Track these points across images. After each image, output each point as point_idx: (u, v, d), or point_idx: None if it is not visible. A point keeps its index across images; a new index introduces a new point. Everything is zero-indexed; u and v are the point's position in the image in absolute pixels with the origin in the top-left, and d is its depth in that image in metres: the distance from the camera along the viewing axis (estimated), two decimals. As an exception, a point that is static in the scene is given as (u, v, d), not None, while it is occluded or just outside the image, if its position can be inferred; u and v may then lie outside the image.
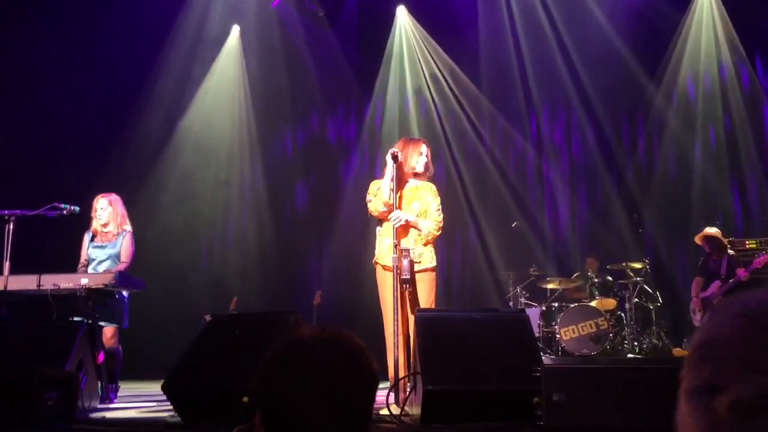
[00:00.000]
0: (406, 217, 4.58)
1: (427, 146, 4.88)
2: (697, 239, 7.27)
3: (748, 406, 0.48)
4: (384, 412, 3.63)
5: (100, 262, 5.58)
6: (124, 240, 5.64)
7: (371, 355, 1.18)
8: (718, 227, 7.22)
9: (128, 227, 5.74)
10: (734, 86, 8.86)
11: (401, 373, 4.15)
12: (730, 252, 7.05)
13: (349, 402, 1.10)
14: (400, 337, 4.30)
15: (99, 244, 5.63)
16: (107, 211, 5.66)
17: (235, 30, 9.88)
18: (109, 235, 5.65)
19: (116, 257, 5.60)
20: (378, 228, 4.87)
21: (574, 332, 7.24)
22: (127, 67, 8.60)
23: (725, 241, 7.08)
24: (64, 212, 5.26)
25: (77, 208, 5.35)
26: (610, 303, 7.66)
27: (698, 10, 9.01)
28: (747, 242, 7.51)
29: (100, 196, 5.76)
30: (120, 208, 5.77)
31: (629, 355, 7.26)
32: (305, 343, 1.13)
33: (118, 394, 5.39)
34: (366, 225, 5.19)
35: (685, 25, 9.06)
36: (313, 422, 1.07)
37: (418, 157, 4.74)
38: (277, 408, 1.09)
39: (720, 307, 0.60)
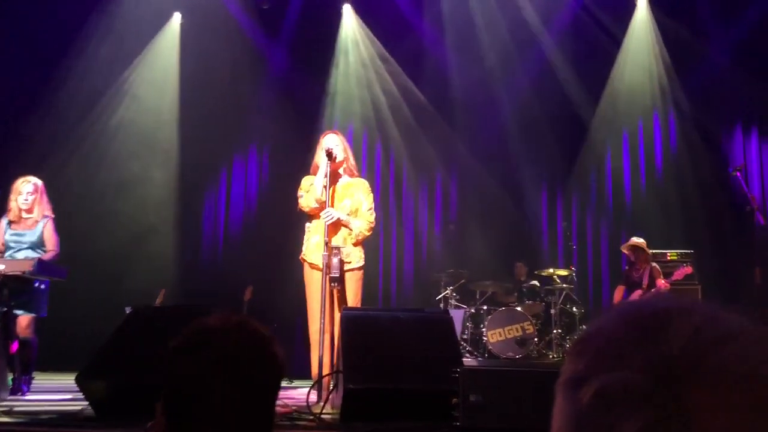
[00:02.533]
0: (338, 215, 4.57)
1: (337, 135, 4.88)
2: (623, 249, 7.51)
3: (610, 396, 0.49)
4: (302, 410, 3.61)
5: (20, 249, 5.32)
6: (47, 228, 5.40)
7: (278, 344, 1.18)
8: (643, 238, 7.48)
9: (49, 214, 5.51)
10: (662, 108, 9.22)
11: (325, 372, 4.14)
12: (653, 263, 7.30)
13: (255, 389, 1.11)
14: (326, 336, 4.29)
15: (18, 231, 5.35)
16: (33, 197, 5.40)
17: (176, 17, 9.62)
18: (29, 222, 5.40)
19: (37, 246, 5.36)
20: (307, 224, 4.84)
21: (500, 335, 7.37)
22: (53, 43, 8.32)
23: (649, 252, 7.33)
24: (-17, 194, 5.03)
25: (-2, 190, 5.13)
26: (537, 308, 7.84)
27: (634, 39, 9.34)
28: (668, 254, 7.81)
29: (24, 180, 5.46)
30: (45, 194, 5.54)
31: (553, 358, 7.44)
32: (212, 331, 1.12)
33: (32, 385, 5.19)
34: (299, 219, 5.17)
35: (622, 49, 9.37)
36: (217, 409, 1.07)
37: (335, 148, 4.71)
38: (183, 395, 1.08)
39: (608, 308, 0.62)
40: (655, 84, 9.21)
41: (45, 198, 5.52)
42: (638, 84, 9.24)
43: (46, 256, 5.25)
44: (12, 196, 5.42)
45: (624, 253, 7.55)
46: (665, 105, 9.22)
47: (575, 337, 0.60)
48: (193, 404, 1.08)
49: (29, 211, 5.39)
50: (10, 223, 5.40)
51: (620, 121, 9.37)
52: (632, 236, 7.50)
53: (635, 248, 7.28)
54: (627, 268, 7.49)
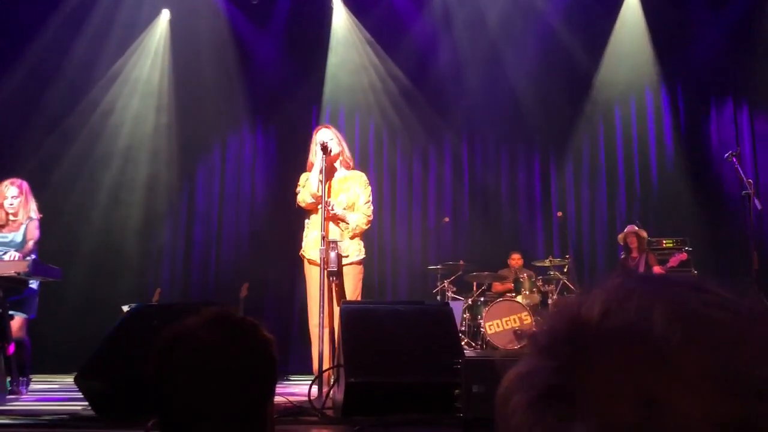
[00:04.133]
0: (334, 210, 4.55)
1: (330, 129, 4.85)
2: (620, 237, 7.52)
3: (517, 420, 0.48)
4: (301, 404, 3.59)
5: (6, 252, 5.27)
6: (30, 225, 5.33)
7: (264, 334, 1.14)
8: (639, 226, 7.49)
9: (35, 215, 5.43)
10: (655, 95, 9.24)
11: (325, 366, 4.13)
12: (648, 251, 7.32)
13: (241, 384, 1.07)
14: (326, 330, 4.28)
15: (5, 234, 5.30)
16: (19, 199, 5.35)
17: (165, 14, 9.54)
18: (15, 224, 5.35)
19: (21, 246, 5.30)
20: (306, 220, 4.83)
21: (498, 326, 7.36)
22: (39, 39, 8.27)
23: (645, 239, 7.35)
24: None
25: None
26: (534, 298, 7.83)
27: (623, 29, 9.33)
28: (664, 241, 7.83)
29: (8, 182, 5.39)
30: (30, 196, 5.47)
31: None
32: (189, 330, 1.10)
33: (30, 387, 5.16)
34: (297, 216, 5.15)
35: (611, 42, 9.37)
36: (203, 407, 1.04)
37: (330, 142, 4.69)
38: (167, 396, 1.06)
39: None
40: (647, 69, 9.21)
41: (30, 199, 5.45)
42: (630, 70, 9.25)
43: (26, 250, 5.18)
44: None
45: (620, 241, 7.57)
46: (658, 90, 9.23)
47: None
48: (177, 404, 1.06)
49: (15, 213, 5.33)
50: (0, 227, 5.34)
51: (613, 108, 9.37)
52: (628, 224, 7.52)
53: (632, 235, 7.29)
54: (623, 256, 7.51)
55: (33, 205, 5.46)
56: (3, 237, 5.30)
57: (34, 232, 5.35)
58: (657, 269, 7.02)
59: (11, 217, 5.33)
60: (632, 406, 0.43)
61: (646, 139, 9.30)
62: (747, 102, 8.97)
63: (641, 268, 7.12)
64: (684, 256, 7.22)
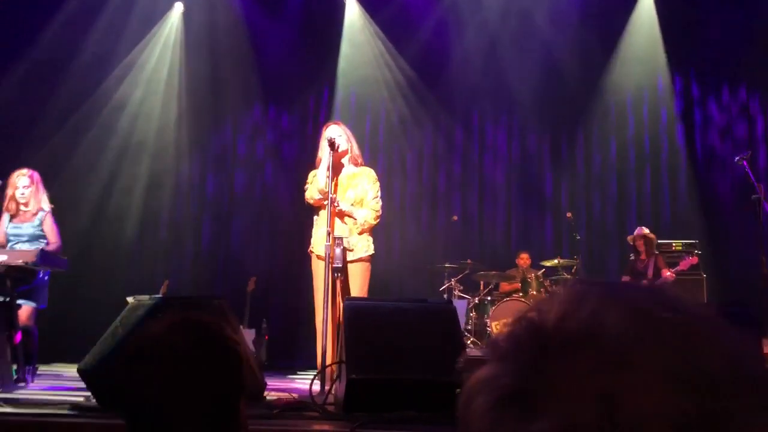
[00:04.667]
0: (340, 206, 4.56)
1: (339, 125, 4.85)
2: (630, 239, 7.48)
3: (476, 426, 0.49)
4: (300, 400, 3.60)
5: (19, 242, 5.33)
6: (46, 221, 5.39)
7: (230, 335, 1.14)
8: (648, 228, 7.45)
9: (46, 206, 5.49)
10: (667, 96, 9.16)
11: (329, 362, 4.13)
12: (657, 253, 7.27)
13: (208, 386, 1.07)
14: (331, 326, 4.28)
15: (17, 224, 5.37)
16: (30, 189, 5.40)
17: (178, 7, 9.56)
18: (27, 215, 5.40)
19: (37, 238, 5.35)
20: (315, 217, 4.84)
21: (505, 326, 7.34)
22: (52, 30, 8.32)
23: (655, 242, 7.30)
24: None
25: (-1, 181, 5.12)
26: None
27: (638, 21, 9.25)
28: (674, 244, 7.78)
29: (19, 173, 5.44)
30: (41, 186, 5.53)
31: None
32: (152, 335, 1.10)
33: (36, 376, 5.20)
34: (307, 213, 5.17)
35: (624, 35, 9.28)
36: (172, 412, 1.04)
37: (338, 139, 4.69)
38: (134, 405, 1.06)
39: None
40: (659, 67, 9.14)
41: (41, 189, 5.51)
42: (642, 70, 9.18)
43: (49, 248, 5.25)
44: (8, 191, 5.42)
45: (629, 243, 7.52)
46: (671, 90, 9.16)
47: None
48: (145, 412, 1.06)
49: (26, 204, 5.38)
50: (11, 217, 5.41)
51: (626, 109, 9.31)
52: (638, 226, 7.47)
53: (641, 238, 7.25)
54: (632, 258, 7.46)
55: (44, 196, 5.50)
56: (15, 227, 5.35)
57: (54, 229, 5.40)
58: (666, 272, 6.97)
59: (22, 207, 5.38)
60: (591, 405, 0.44)
61: (657, 140, 9.24)
62: (759, 96, 8.88)
63: (650, 271, 7.07)
64: (694, 259, 7.17)
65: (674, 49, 9.06)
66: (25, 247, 5.24)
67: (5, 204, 5.43)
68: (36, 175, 5.50)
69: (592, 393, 0.44)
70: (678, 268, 7.04)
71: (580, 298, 0.49)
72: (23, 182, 5.39)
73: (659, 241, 7.45)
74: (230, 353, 1.12)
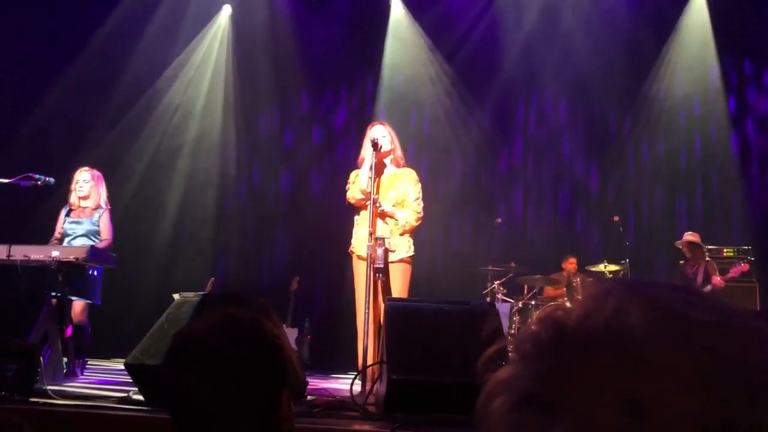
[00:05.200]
0: (382, 207, 4.55)
1: (384, 126, 4.85)
2: (678, 244, 7.30)
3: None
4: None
5: (76, 237, 5.50)
6: (103, 217, 5.58)
7: (271, 330, 1.15)
8: (699, 233, 7.25)
9: (106, 204, 5.68)
10: (720, 90, 8.89)
11: (370, 362, 4.13)
12: (708, 259, 7.08)
13: (252, 384, 1.08)
14: (372, 326, 4.29)
15: (75, 219, 5.55)
16: (89, 184, 5.61)
17: (226, 9, 9.71)
18: (86, 210, 5.58)
19: (93, 234, 5.52)
20: (356, 217, 4.85)
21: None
22: (110, 40, 8.53)
23: (704, 248, 7.11)
24: (39, 183, 5.18)
25: (52, 180, 5.28)
26: (587, 303, 7.67)
27: (690, 14, 9.02)
28: (725, 250, 7.55)
29: (82, 169, 5.69)
30: (102, 184, 5.73)
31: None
32: (195, 333, 1.11)
33: (86, 369, 5.33)
34: (348, 213, 5.19)
35: (677, 28, 9.06)
36: (215, 410, 1.05)
37: (382, 140, 4.68)
38: (179, 401, 1.07)
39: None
40: (711, 70, 8.90)
41: (103, 187, 5.71)
42: (694, 70, 8.95)
43: (100, 245, 5.40)
44: (71, 186, 5.65)
45: (679, 248, 7.34)
46: (726, 93, 8.90)
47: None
48: (189, 408, 1.07)
49: (86, 198, 5.57)
50: (69, 212, 5.60)
51: (677, 110, 9.08)
52: (688, 231, 7.28)
53: (690, 244, 7.07)
54: (682, 263, 7.28)
55: (104, 194, 5.69)
56: (73, 222, 5.54)
57: (108, 226, 5.57)
58: (716, 279, 6.78)
59: (82, 202, 5.57)
60: (615, 408, 0.42)
61: (708, 143, 8.98)
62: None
63: (699, 278, 6.89)
64: (746, 266, 6.95)
65: (728, 50, 8.80)
66: (81, 241, 5.42)
67: (68, 199, 5.63)
68: (97, 173, 5.71)
69: (615, 396, 0.42)
70: (728, 275, 6.84)
71: (604, 296, 0.48)
72: (84, 177, 5.61)
73: (709, 247, 7.24)
74: (271, 348, 1.13)
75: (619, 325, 0.45)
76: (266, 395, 1.10)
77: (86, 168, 5.70)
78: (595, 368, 0.44)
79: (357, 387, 3.87)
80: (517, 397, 0.46)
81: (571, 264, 8.23)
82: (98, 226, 5.55)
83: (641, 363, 0.43)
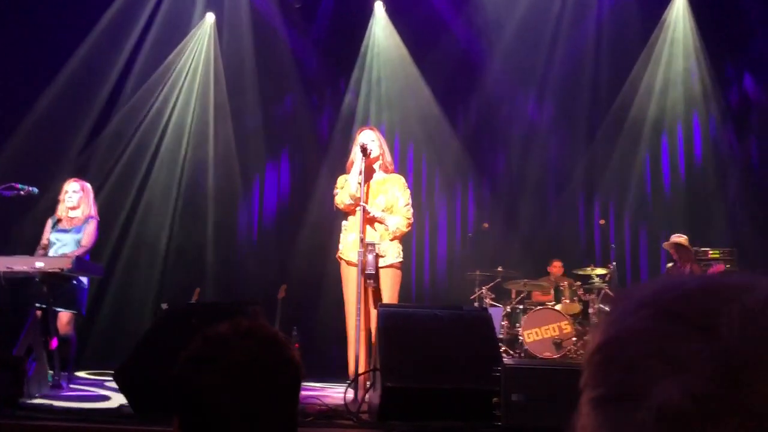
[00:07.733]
0: (372, 213, 4.53)
1: (373, 131, 4.84)
2: (666, 246, 7.33)
3: (679, 412, 0.42)
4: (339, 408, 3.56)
5: (63, 246, 5.41)
6: (89, 225, 5.49)
7: (291, 347, 1.16)
8: (686, 235, 7.29)
9: (95, 216, 5.59)
10: (703, 92, 8.97)
11: (361, 370, 4.09)
12: (694, 261, 7.12)
13: (271, 397, 1.07)
14: (362, 333, 4.25)
15: (63, 228, 5.46)
16: (79, 194, 5.52)
17: (209, 17, 9.63)
18: (75, 220, 5.49)
19: (77, 244, 5.44)
20: (344, 222, 4.81)
21: (537, 335, 7.23)
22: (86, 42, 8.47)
23: (692, 249, 7.15)
24: (22, 193, 5.10)
25: (36, 190, 5.20)
26: (575, 307, 7.68)
27: (672, 20, 9.10)
28: (710, 252, 7.61)
29: (72, 179, 5.63)
30: (91, 195, 5.65)
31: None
32: (223, 339, 1.08)
33: (72, 382, 5.24)
34: (334, 218, 5.16)
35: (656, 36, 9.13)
36: (233, 419, 1.02)
37: (371, 144, 4.67)
38: (196, 408, 1.04)
39: (619, 298, 0.52)
40: (695, 75, 8.97)
41: (92, 199, 5.63)
42: (679, 77, 9.02)
43: (77, 251, 5.30)
44: (60, 197, 5.58)
45: (665, 250, 7.38)
46: (706, 99, 8.97)
47: (590, 342, 0.52)
48: (209, 416, 1.04)
49: (74, 208, 5.48)
50: (57, 222, 5.50)
51: (658, 114, 9.14)
52: (674, 233, 7.32)
53: (677, 246, 7.10)
54: (669, 265, 7.32)
55: (93, 205, 5.61)
56: (59, 232, 5.44)
57: (93, 235, 5.48)
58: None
59: (71, 212, 5.48)
60: None
61: (691, 143, 9.05)
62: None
63: (687, 279, 6.92)
64: (721, 267, 7.04)
65: (710, 50, 8.87)
66: (67, 252, 5.31)
67: (56, 211, 5.56)
68: (88, 185, 5.64)
69: None
70: (709, 275, 6.88)
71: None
72: (73, 187, 5.53)
73: (696, 248, 7.29)
74: (292, 359, 1.12)
75: None
76: (285, 407, 1.09)
77: (75, 179, 5.65)
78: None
79: (349, 395, 3.83)
80: (699, 373, 0.43)
81: (556, 267, 8.25)
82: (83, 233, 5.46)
83: None
